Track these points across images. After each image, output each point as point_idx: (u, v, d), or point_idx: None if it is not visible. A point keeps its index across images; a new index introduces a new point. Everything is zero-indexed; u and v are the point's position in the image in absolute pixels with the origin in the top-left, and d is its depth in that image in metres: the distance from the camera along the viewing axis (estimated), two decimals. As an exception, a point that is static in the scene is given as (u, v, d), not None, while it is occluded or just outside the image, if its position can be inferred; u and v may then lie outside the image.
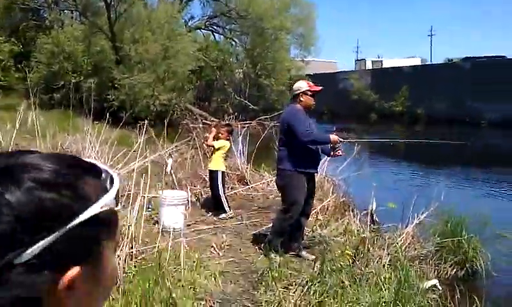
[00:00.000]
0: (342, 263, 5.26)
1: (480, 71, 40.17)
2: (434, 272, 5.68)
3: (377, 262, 5.51)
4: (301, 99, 6.08)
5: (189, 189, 8.72)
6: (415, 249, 5.81)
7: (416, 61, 57.30)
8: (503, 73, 38.09)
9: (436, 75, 43.81)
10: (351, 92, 49.37)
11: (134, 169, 10.00)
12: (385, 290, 4.75)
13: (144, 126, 9.78)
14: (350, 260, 5.37)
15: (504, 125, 34.40)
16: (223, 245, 6.35)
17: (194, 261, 5.41)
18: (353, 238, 6.72)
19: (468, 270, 5.97)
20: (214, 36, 36.45)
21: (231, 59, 35.82)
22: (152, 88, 24.46)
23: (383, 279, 5.03)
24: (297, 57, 35.16)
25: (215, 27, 35.23)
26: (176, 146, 11.42)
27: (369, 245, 5.77)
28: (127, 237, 5.28)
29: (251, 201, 9.10)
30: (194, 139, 11.84)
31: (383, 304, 4.54)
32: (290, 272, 5.35)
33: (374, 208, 8.50)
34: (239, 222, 7.57)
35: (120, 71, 24.80)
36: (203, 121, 29.28)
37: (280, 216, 6.12)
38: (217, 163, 8.09)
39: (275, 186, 9.95)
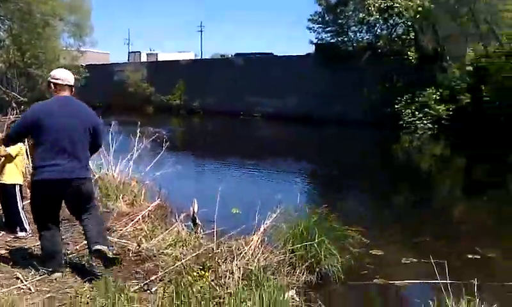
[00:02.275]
0: (199, 285, 4.43)
1: (252, 67, 42.37)
2: (287, 281, 5.19)
3: (229, 278, 4.81)
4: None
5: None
6: (265, 258, 5.25)
7: (191, 55, 58.17)
8: (272, 69, 40.70)
9: (210, 69, 44.91)
10: (126, 84, 47.88)
11: None
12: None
13: None
14: (207, 281, 4.56)
15: (275, 117, 36.85)
16: (33, 275, 4.99)
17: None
18: (189, 249, 5.92)
19: (319, 275, 5.67)
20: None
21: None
22: None
23: (242, 300, 4.36)
24: (71, 47, 32.66)
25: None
26: None
27: (218, 258, 5.04)
28: None
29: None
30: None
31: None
32: (135, 306, 4.33)
33: (196, 210, 7.80)
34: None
35: None
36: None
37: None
38: (12, 174, 6.51)
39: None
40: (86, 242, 5.73)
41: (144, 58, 57.60)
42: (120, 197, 8.38)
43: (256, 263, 5.02)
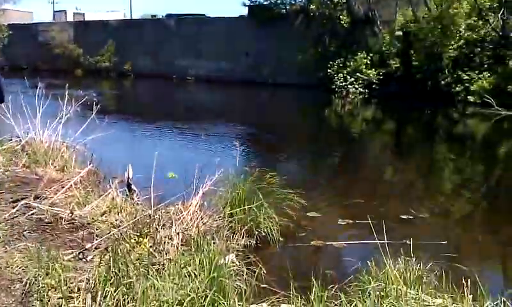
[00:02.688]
0: (137, 253, 4.30)
1: (184, 28, 41.49)
2: (227, 245, 5.14)
3: (168, 244, 4.71)
4: None
5: None
6: (204, 223, 5.17)
7: (120, 15, 56.17)
8: (205, 31, 40.04)
9: (141, 30, 43.63)
10: (52, 46, 45.70)
11: None
12: (195, 278, 4.01)
13: None
14: (145, 248, 4.44)
15: (208, 80, 36.51)
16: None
17: None
18: (125, 216, 5.75)
19: (258, 238, 5.66)
20: None
21: None
22: None
23: (182, 265, 4.29)
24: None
25: None
26: None
27: (156, 225, 4.92)
28: None
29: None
30: None
31: (199, 297, 3.80)
32: (70, 274, 4.16)
33: (130, 175, 7.60)
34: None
35: None
36: None
37: None
38: None
39: (0, 158, 8.25)
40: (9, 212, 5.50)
41: (70, 18, 54.99)
42: (50, 163, 8.04)
43: (196, 228, 4.94)
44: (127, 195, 6.71)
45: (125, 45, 42.83)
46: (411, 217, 7.14)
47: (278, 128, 16.65)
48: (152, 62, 41.49)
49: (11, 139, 8.98)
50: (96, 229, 5.47)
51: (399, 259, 4.39)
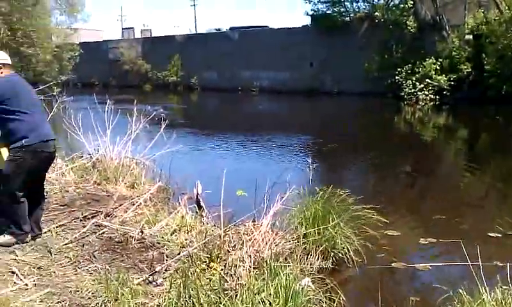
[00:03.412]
0: (208, 277, 4.09)
1: (248, 40, 41.71)
2: (301, 268, 4.83)
3: (239, 267, 4.48)
4: None
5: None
6: (276, 244, 4.90)
7: (185, 30, 57.32)
8: (268, 42, 40.06)
9: (206, 44, 44.22)
10: (122, 62, 47.17)
11: None
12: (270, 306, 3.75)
13: None
14: (216, 272, 4.23)
15: (273, 91, 36.44)
16: (28, 270, 4.66)
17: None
18: (195, 234, 5.58)
19: (334, 260, 5.31)
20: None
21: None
22: None
23: (256, 291, 4.03)
24: (63, 25, 31.98)
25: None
26: None
27: (226, 246, 4.71)
28: None
29: (46, 198, 7.25)
30: None
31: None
32: (140, 300, 4.01)
33: (199, 192, 7.46)
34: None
35: None
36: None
37: None
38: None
39: (71, 175, 8.33)
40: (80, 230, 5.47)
41: (138, 34, 56.58)
42: (120, 179, 8.04)
43: (268, 250, 4.68)
44: (196, 212, 6.56)
45: (191, 59, 43.55)
46: (499, 235, 6.52)
47: (347, 139, 16.18)
48: (217, 76, 41.95)
49: (82, 156, 9.08)
50: (166, 249, 5.33)
51: (495, 286, 3.94)
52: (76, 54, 32.10)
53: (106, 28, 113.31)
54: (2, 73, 5.31)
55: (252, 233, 4.89)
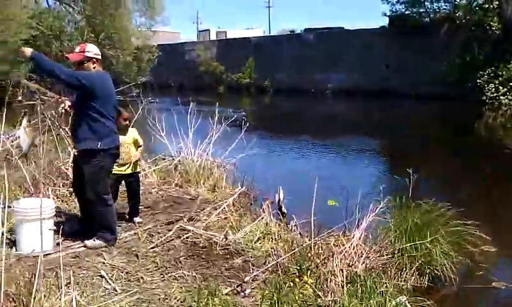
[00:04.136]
0: (300, 291, 3.91)
1: (323, 42, 41.30)
2: (395, 285, 4.54)
3: (331, 282, 4.26)
4: None
5: (51, 192, 6.75)
6: (368, 257, 4.64)
7: (259, 32, 57.55)
8: (343, 43, 39.50)
9: (280, 46, 44.20)
10: (197, 64, 48.03)
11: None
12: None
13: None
14: (308, 286, 4.03)
15: (347, 93, 35.77)
16: (117, 274, 4.65)
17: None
18: (280, 243, 5.42)
19: (430, 277, 4.98)
20: (46, 1, 32.52)
21: (69, 28, 32.23)
22: (-23, 61, 20.76)
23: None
24: (143, 26, 32.85)
25: (48, -9, 31.45)
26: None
27: (316, 258, 4.51)
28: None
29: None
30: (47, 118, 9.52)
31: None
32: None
33: (281, 197, 7.32)
34: (128, 234, 5.82)
35: None
36: (42, 96, 25.98)
37: None
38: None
39: (154, 177, 8.39)
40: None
41: (213, 36, 57.46)
42: (201, 182, 8.03)
43: (362, 264, 4.43)
44: (280, 220, 6.40)
45: (265, 61, 43.65)
46: None
47: (431, 145, 15.42)
48: (290, 77, 41.75)
49: (164, 158, 9.15)
50: (251, 257, 5.19)
51: None
52: (154, 56, 32.89)
53: (182, 30, 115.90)
54: (95, 68, 5.29)
55: (343, 245, 4.66)
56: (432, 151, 14.35)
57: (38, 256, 4.98)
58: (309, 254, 4.60)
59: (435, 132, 19.32)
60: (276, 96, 40.20)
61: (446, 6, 35.95)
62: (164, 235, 5.69)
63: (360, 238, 4.73)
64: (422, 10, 36.56)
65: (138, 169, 6.41)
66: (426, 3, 36.40)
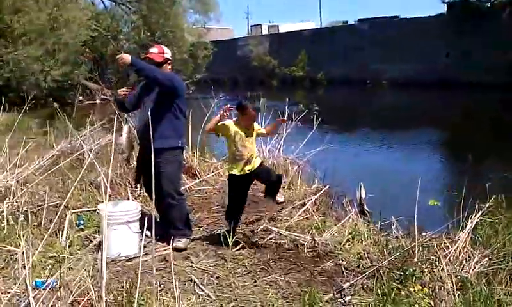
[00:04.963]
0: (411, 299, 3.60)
1: (377, 32, 40.37)
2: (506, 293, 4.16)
3: (441, 289, 3.93)
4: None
5: (129, 193, 6.68)
6: (477, 261, 4.27)
7: (311, 25, 56.92)
8: (399, 33, 38.47)
9: (333, 38, 43.57)
10: (250, 59, 47.97)
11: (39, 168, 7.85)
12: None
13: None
14: (420, 294, 3.72)
15: (405, 84, 34.73)
16: (207, 279, 4.49)
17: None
18: (370, 245, 5.12)
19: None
20: (103, 2, 33.15)
21: (126, 28, 32.79)
22: (41, 63, 21.28)
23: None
24: (197, 24, 32.99)
25: (104, -7, 32.05)
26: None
27: (420, 262, 4.19)
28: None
29: (207, 199, 7.18)
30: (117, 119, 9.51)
31: None
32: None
33: (363, 195, 7.00)
34: (207, 234, 5.65)
35: (1, 46, 21.26)
36: (102, 96, 26.54)
37: None
38: None
39: (226, 176, 8.21)
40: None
41: (265, 31, 57.24)
42: (276, 180, 7.78)
43: (472, 270, 4.09)
44: (366, 219, 6.09)
45: (318, 54, 43.11)
46: None
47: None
48: (344, 69, 41.06)
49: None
50: (342, 260, 4.92)
51: None
52: (210, 53, 33.02)
53: (234, 26, 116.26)
54: (170, 69, 5.44)
55: (447, 249, 4.32)
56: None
57: (123, 260, 4.93)
58: (411, 259, 4.27)
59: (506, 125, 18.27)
60: (330, 88, 39.60)
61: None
62: (248, 236, 5.50)
63: (465, 240, 4.36)
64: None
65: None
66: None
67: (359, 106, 27.81)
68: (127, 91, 5.47)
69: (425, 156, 12.16)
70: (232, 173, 5.21)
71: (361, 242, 5.27)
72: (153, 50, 5.44)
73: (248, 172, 5.12)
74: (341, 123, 18.73)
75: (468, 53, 33.31)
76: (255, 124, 5.28)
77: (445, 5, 37.25)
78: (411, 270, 4.06)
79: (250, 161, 5.11)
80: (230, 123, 5.09)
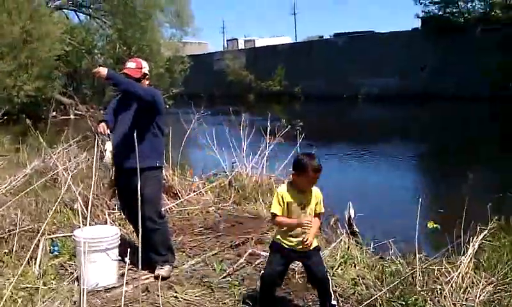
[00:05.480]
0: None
1: (353, 46, 40.66)
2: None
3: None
4: None
5: (108, 216, 6.31)
6: (482, 289, 4.02)
7: (287, 40, 57.09)
8: (375, 47, 38.76)
9: (309, 52, 43.71)
10: (226, 73, 47.78)
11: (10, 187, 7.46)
12: None
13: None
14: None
15: (381, 98, 34.93)
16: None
17: None
18: (364, 269, 4.86)
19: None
20: (77, 16, 32.65)
21: (101, 42, 32.30)
22: (13, 77, 20.73)
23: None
24: (174, 38, 32.69)
25: (79, 7, 31.51)
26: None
27: (421, 290, 3.94)
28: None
29: (189, 220, 6.84)
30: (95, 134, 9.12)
31: None
32: None
33: (352, 215, 6.75)
34: (195, 261, 5.32)
35: (-29, 60, 20.72)
36: (76, 112, 26.00)
37: None
38: None
39: (209, 195, 7.91)
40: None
41: (241, 45, 57.19)
42: (260, 199, 7.52)
43: (478, 298, 3.84)
44: (356, 241, 5.83)
45: (294, 68, 43.19)
46: None
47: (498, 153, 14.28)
48: (321, 83, 41.19)
49: (217, 174, 8.63)
50: (336, 286, 4.63)
51: None
52: (186, 67, 32.71)
53: (209, 40, 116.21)
54: (148, 84, 5.08)
55: (449, 274, 4.07)
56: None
57: (102, 290, 4.58)
58: (411, 287, 4.01)
59: (491, 138, 18.20)
60: (307, 102, 39.59)
61: (480, 4, 35.16)
62: (235, 262, 5.19)
63: (468, 265, 4.12)
64: (455, 10, 35.86)
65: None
66: (460, 3, 35.71)
67: (338, 120, 27.74)
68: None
69: (412, 172, 12.01)
70: (281, 243, 4.02)
71: (355, 266, 5.01)
72: (130, 64, 5.05)
73: (298, 249, 3.95)
74: (323, 139, 18.52)
75: (442, 67, 33.71)
76: (316, 191, 4.02)
77: (420, 20, 37.74)
78: (413, 299, 3.80)
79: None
80: (283, 191, 3.97)
